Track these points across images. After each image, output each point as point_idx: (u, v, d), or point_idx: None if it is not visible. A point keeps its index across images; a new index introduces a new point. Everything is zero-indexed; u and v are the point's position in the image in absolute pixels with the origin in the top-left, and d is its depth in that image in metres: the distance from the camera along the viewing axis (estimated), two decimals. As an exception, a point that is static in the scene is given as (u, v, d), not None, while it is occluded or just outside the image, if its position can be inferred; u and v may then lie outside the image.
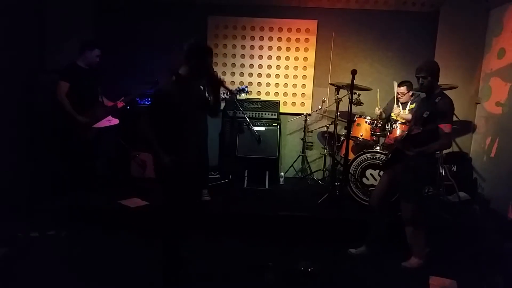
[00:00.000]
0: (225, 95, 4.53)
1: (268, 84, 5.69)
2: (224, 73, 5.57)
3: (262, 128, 5.22)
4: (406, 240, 3.44)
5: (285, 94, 5.70)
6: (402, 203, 3.40)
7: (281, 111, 5.48)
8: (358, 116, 4.85)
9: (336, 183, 4.68)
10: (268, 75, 5.67)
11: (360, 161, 4.50)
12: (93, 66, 4.32)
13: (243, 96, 5.57)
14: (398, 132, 4.36)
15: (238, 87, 4.99)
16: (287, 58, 5.62)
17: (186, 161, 2.90)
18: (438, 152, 4.64)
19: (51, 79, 4.27)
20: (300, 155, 5.59)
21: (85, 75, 4.26)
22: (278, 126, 5.27)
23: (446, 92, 4.50)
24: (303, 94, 5.69)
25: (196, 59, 2.83)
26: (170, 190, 2.93)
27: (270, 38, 5.58)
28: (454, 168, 4.96)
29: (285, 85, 5.69)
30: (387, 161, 3.49)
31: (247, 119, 5.15)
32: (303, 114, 5.47)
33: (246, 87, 4.88)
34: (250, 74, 5.64)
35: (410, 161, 3.27)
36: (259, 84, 5.69)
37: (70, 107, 4.15)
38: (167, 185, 2.93)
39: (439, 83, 4.45)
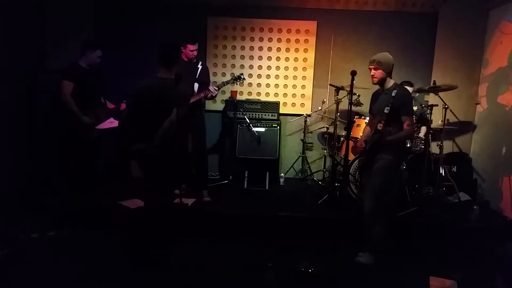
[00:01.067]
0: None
1: (268, 85, 5.70)
2: (224, 74, 5.58)
3: (262, 129, 5.23)
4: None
5: (285, 95, 5.71)
6: (367, 200, 3.41)
7: (281, 112, 5.49)
8: (358, 116, 4.86)
9: (336, 184, 4.69)
10: (268, 76, 5.68)
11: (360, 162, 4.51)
12: (94, 66, 4.31)
13: (244, 97, 5.62)
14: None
15: (234, 74, 4.91)
16: (287, 59, 5.63)
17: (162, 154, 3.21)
18: (438, 153, 4.65)
19: (52, 79, 4.27)
20: (300, 155, 5.60)
21: (87, 75, 4.25)
22: (278, 127, 5.28)
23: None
24: (303, 95, 5.70)
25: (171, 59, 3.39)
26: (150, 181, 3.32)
27: (270, 39, 5.59)
28: (454, 169, 4.97)
29: (285, 86, 5.69)
30: (365, 165, 3.52)
31: (247, 120, 5.16)
32: (303, 115, 5.48)
33: (242, 74, 4.71)
34: (250, 75, 5.64)
35: (381, 157, 3.34)
36: (258, 85, 5.70)
37: (76, 107, 4.13)
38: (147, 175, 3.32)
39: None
